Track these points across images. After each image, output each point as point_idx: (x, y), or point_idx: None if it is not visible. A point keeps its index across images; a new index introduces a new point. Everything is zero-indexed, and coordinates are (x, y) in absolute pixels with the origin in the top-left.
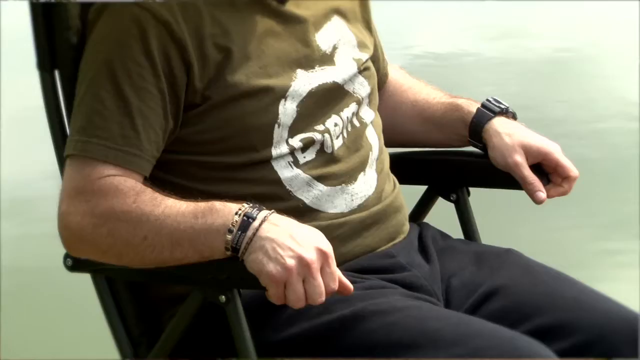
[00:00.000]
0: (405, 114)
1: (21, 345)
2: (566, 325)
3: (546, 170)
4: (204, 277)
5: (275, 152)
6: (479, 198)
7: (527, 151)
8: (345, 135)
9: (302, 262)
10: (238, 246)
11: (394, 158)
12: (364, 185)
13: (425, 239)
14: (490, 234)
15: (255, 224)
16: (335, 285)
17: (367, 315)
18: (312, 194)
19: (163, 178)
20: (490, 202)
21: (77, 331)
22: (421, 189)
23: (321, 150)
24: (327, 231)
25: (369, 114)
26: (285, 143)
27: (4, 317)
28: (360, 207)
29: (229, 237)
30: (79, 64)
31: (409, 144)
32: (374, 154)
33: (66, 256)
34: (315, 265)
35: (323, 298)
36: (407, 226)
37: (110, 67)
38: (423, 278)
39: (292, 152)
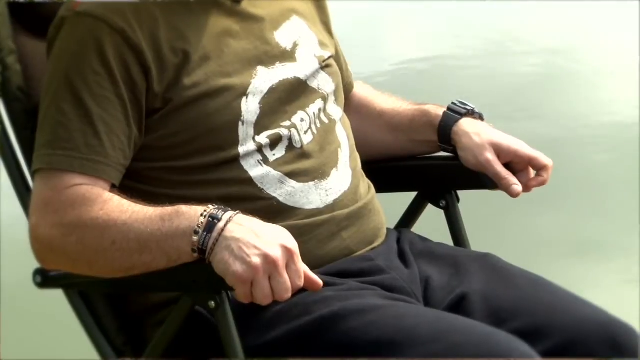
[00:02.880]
0: (374, 125)
1: (21, 345)
2: (541, 330)
3: (518, 168)
4: (174, 284)
5: (242, 150)
6: (469, 204)
7: (497, 149)
8: (314, 130)
9: (268, 260)
10: (204, 247)
11: (379, 167)
12: (338, 181)
13: (402, 244)
14: (480, 240)
15: (221, 224)
16: (300, 282)
17: (346, 314)
18: (285, 190)
19: (134, 187)
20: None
21: (77, 331)
22: (409, 197)
23: (290, 147)
24: (305, 231)
25: (336, 111)
26: (252, 140)
27: (4, 317)
28: (337, 204)
29: (195, 238)
30: (19, 87)
31: (381, 155)
32: (344, 151)
33: (35, 273)
34: (281, 263)
35: (289, 294)
36: (384, 230)
37: (70, 79)
38: (402, 280)
39: (260, 149)
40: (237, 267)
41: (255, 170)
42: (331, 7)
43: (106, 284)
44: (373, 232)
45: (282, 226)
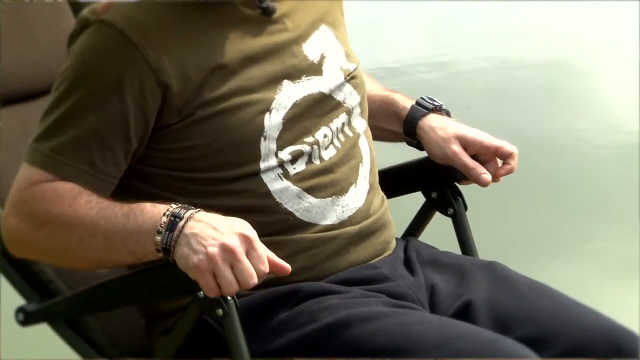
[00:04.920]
0: None
1: (21, 345)
2: (546, 337)
3: (485, 158)
4: (146, 292)
5: (263, 165)
6: (477, 212)
7: (463, 141)
8: (337, 145)
9: (225, 249)
10: (167, 246)
11: (380, 173)
12: (355, 197)
13: (409, 252)
14: (488, 248)
15: (181, 222)
16: (264, 267)
17: (351, 322)
18: (302, 206)
19: (152, 192)
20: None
21: None
22: (417, 206)
23: (310, 162)
24: (316, 244)
25: (361, 124)
26: (274, 156)
27: (4, 317)
28: (350, 220)
29: (158, 238)
30: None
31: None
32: (365, 166)
33: (17, 311)
34: (239, 250)
35: (255, 280)
36: (393, 243)
37: (80, 84)
38: (407, 287)
39: (282, 164)
40: (195, 258)
41: (274, 184)
42: None
43: (86, 307)
44: (382, 246)
45: (294, 238)
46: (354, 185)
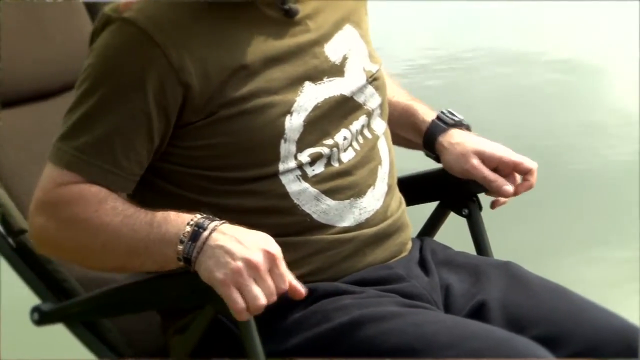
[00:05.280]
0: None
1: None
2: (560, 337)
3: (504, 173)
4: (162, 299)
5: (282, 166)
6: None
7: (481, 156)
8: (356, 147)
9: (250, 264)
10: (189, 256)
11: (400, 180)
12: (373, 200)
13: (424, 252)
14: (502, 248)
15: (205, 233)
16: (285, 286)
17: (365, 321)
18: (320, 208)
19: (171, 190)
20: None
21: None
22: (431, 205)
23: (329, 164)
24: (332, 246)
25: (380, 126)
26: (293, 158)
27: (4, 317)
28: (367, 222)
29: (180, 247)
30: None
31: None
32: (384, 168)
33: (32, 311)
34: (263, 267)
35: (274, 297)
36: (409, 245)
37: (102, 83)
38: (421, 287)
39: (301, 166)
40: (220, 273)
41: (292, 185)
42: None
43: (101, 310)
44: (398, 248)
45: (311, 240)
46: (372, 187)
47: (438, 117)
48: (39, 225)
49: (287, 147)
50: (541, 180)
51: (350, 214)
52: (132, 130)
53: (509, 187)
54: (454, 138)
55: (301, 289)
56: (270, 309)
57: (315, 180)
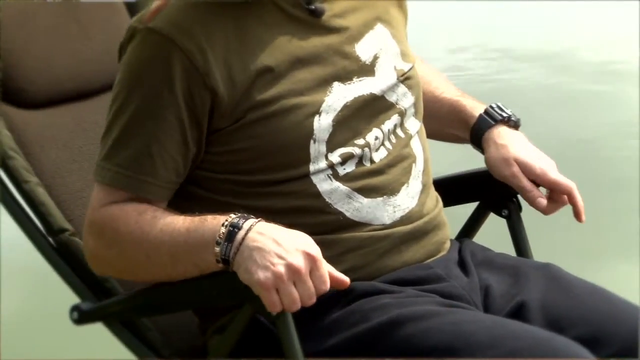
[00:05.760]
0: None
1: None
2: (599, 338)
3: (541, 186)
4: (200, 297)
5: (313, 167)
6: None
7: (522, 166)
8: (389, 146)
9: (292, 269)
10: (226, 257)
11: (440, 181)
12: (407, 198)
13: (463, 253)
14: (542, 249)
15: (241, 233)
16: (325, 287)
17: (403, 321)
18: (352, 206)
19: (203, 195)
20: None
21: (77, 330)
22: (469, 206)
23: (360, 163)
24: (366, 243)
25: (414, 125)
26: (324, 158)
27: (4, 317)
28: (403, 220)
29: (217, 249)
30: (11, 147)
31: None
32: (418, 166)
33: (72, 310)
34: (304, 270)
35: (313, 299)
36: (447, 244)
37: (133, 95)
38: (461, 288)
39: (332, 166)
40: (261, 275)
41: (324, 184)
42: None
43: (140, 310)
44: (435, 247)
45: (344, 237)
46: (405, 185)
47: (486, 112)
48: (91, 247)
49: (317, 148)
50: (582, 181)
51: (384, 211)
52: (168, 137)
53: (542, 200)
54: (500, 138)
55: (344, 278)
56: (308, 308)
57: (347, 179)
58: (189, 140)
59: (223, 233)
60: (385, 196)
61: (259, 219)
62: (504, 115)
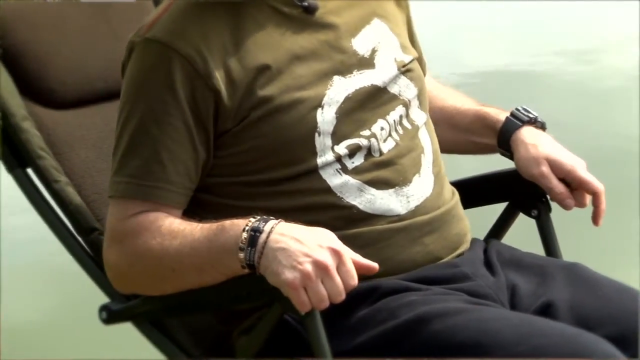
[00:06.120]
0: (434, 120)
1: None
2: (628, 337)
3: (572, 187)
4: (230, 298)
5: (320, 161)
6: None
7: (552, 165)
8: (396, 137)
9: (319, 265)
10: (251, 262)
11: (469, 181)
12: (420, 187)
13: (489, 254)
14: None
15: (263, 236)
16: (354, 281)
17: (430, 318)
18: (365, 198)
19: (212, 201)
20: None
21: (75, 329)
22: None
23: (369, 155)
24: (384, 237)
25: (420, 116)
26: (330, 151)
27: (4, 317)
28: (419, 209)
29: (241, 255)
30: (40, 147)
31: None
32: (427, 157)
33: (101, 309)
34: (331, 266)
35: (343, 296)
36: (469, 237)
37: (137, 106)
38: (488, 287)
39: (339, 159)
40: (289, 275)
41: (334, 179)
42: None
43: (169, 310)
44: (457, 238)
45: (360, 232)
46: (417, 175)
47: (512, 114)
48: (112, 265)
49: (322, 141)
50: (612, 182)
51: (397, 202)
52: (177, 143)
53: (570, 202)
54: (528, 137)
55: (371, 264)
56: (335, 307)
57: (356, 172)
58: (197, 145)
59: (245, 238)
60: (397, 187)
61: (279, 220)
62: (531, 116)
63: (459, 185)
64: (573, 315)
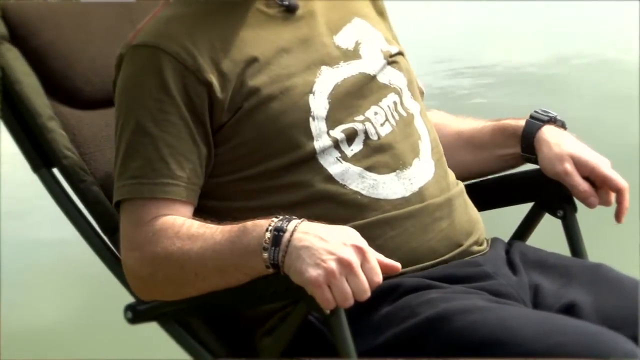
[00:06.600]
0: (452, 145)
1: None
2: None
3: (596, 184)
4: (256, 297)
5: (318, 145)
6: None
7: (576, 162)
8: (393, 122)
9: (343, 263)
10: (275, 261)
11: (494, 181)
12: (421, 170)
13: (512, 255)
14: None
15: (287, 235)
16: (378, 278)
17: (451, 315)
18: (367, 184)
19: (212, 205)
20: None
21: (75, 328)
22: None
23: (367, 139)
24: (396, 224)
25: (414, 105)
26: (326, 135)
27: (4, 317)
28: (424, 192)
29: (265, 255)
30: (66, 147)
31: (462, 176)
32: (425, 143)
33: (126, 309)
34: (356, 263)
35: (368, 293)
36: (482, 225)
37: (132, 109)
38: (509, 286)
39: (337, 145)
40: (313, 273)
41: (334, 167)
42: (436, 7)
43: (195, 310)
44: (469, 224)
45: (369, 222)
46: (417, 158)
47: (531, 116)
48: (133, 273)
49: (317, 125)
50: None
51: (400, 185)
52: (177, 139)
53: (594, 199)
54: (551, 137)
55: (394, 264)
56: (357, 305)
57: (356, 159)
58: (197, 140)
59: (269, 238)
60: (397, 170)
61: (302, 219)
62: (550, 115)
63: (483, 185)
64: (598, 316)
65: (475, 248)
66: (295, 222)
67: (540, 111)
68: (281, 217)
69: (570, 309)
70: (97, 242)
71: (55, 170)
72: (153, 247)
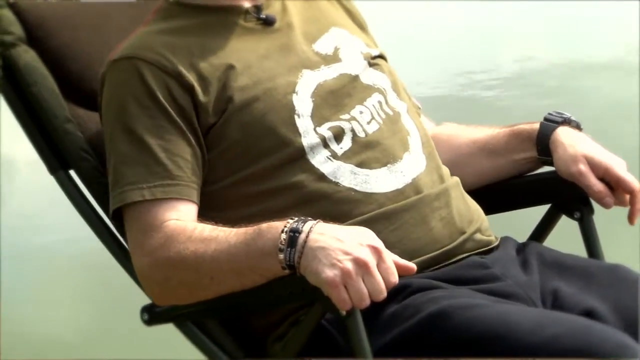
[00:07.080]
0: (467, 153)
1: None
2: None
3: (611, 185)
4: (272, 298)
5: (306, 142)
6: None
7: (590, 162)
8: (379, 120)
9: (359, 263)
10: (291, 262)
11: (511, 183)
12: (412, 163)
13: (528, 255)
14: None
15: (302, 236)
16: (394, 278)
17: (452, 310)
18: (360, 179)
19: (215, 217)
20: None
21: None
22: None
23: (355, 137)
24: (394, 218)
25: (400, 104)
26: (313, 132)
27: (4, 317)
28: (418, 183)
29: (281, 256)
30: (83, 149)
31: (477, 184)
32: (414, 138)
33: (142, 310)
34: (372, 263)
35: (384, 294)
36: (483, 215)
37: (121, 120)
38: (517, 286)
39: (326, 143)
40: (329, 273)
41: (325, 166)
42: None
43: (211, 311)
44: (470, 213)
45: (368, 217)
46: (407, 152)
47: (545, 119)
48: (147, 279)
49: (303, 122)
50: None
51: (393, 177)
52: (170, 142)
53: (610, 200)
54: (565, 138)
55: (409, 264)
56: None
57: (346, 157)
58: (191, 140)
59: (284, 239)
60: (388, 164)
61: (317, 220)
62: (565, 117)
63: (500, 187)
64: (617, 318)
65: (479, 236)
66: (311, 223)
67: (554, 113)
68: (297, 218)
69: (590, 314)
70: (113, 244)
71: (72, 172)
72: (166, 252)
